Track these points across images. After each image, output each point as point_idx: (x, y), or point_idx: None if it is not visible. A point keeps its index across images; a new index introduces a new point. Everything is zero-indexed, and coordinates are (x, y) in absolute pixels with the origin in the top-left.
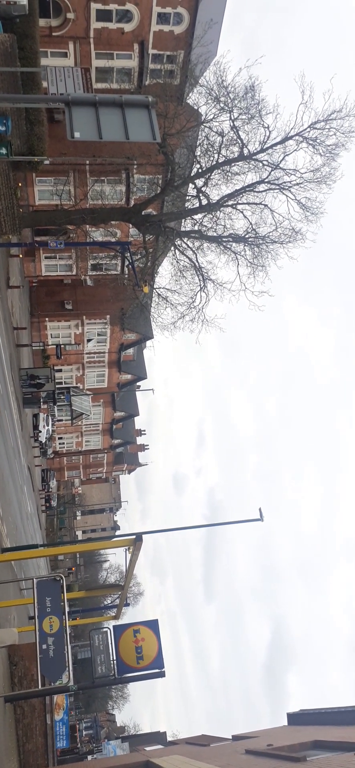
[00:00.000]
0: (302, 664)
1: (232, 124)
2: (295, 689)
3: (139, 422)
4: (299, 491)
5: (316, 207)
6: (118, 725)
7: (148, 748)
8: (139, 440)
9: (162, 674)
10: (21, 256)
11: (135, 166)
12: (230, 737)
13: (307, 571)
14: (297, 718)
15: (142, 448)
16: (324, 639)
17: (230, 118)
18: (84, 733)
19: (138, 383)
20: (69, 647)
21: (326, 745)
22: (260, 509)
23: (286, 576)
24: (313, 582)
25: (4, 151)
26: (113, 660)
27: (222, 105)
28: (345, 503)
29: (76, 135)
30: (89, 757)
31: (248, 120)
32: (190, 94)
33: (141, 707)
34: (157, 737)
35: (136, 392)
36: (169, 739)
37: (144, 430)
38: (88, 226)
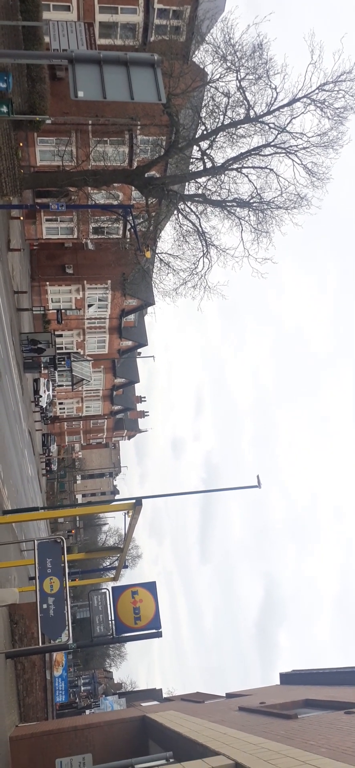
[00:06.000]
0: (292, 621)
1: (238, 84)
2: (286, 645)
3: (139, 389)
4: (293, 454)
5: (322, 172)
6: (115, 682)
7: (144, 704)
8: (139, 407)
9: (159, 634)
10: (22, 218)
11: (139, 127)
12: (224, 695)
13: (298, 531)
14: (289, 678)
15: (142, 414)
16: (313, 597)
17: (237, 78)
18: (82, 689)
19: (139, 350)
20: (69, 607)
21: (317, 704)
22: (257, 476)
23: (278, 536)
24: (304, 541)
25: (4, 109)
26: (111, 620)
27: (229, 64)
28: (336, 468)
29: (80, 94)
30: (87, 712)
31: (255, 80)
32: (196, 52)
33: (137, 664)
34: (154, 694)
35: (137, 359)
36: (164, 695)
37: (144, 397)
38: (90, 188)
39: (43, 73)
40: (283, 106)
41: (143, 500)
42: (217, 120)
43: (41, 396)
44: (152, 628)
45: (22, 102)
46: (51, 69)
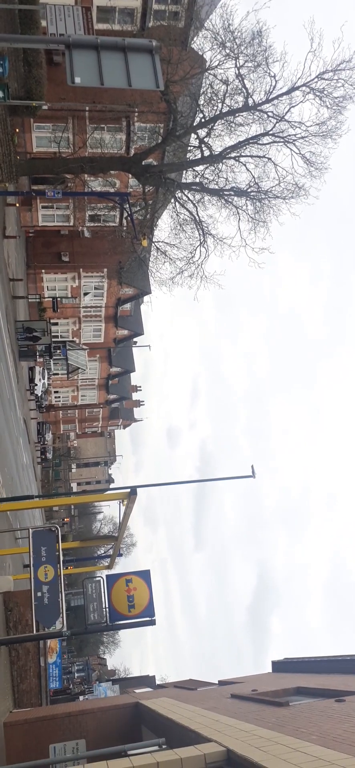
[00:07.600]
0: (284, 607)
1: (237, 71)
2: (278, 631)
3: (135, 378)
4: (286, 442)
5: (320, 162)
6: (109, 669)
7: (137, 691)
8: (135, 396)
9: (153, 622)
10: (17, 205)
11: (136, 114)
12: (217, 682)
13: (291, 518)
14: (281, 666)
15: (138, 403)
16: (305, 583)
17: (236, 66)
18: (76, 675)
19: (135, 339)
20: (63, 595)
21: (309, 692)
22: (252, 466)
23: (271, 523)
24: (296, 528)
25: (0, 94)
26: (106, 608)
27: (228, 51)
28: (328, 456)
29: (77, 80)
30: (81, 698)
31: (253, 68)
32: (195, 39)
33: (131, 651)
34: (147, 681)
35: (133, 348)
36: (157, 682)
37: (140, 386)
38: (86, 175)
39: (39, 57)
40: (282, 95)
41: (138, 489)
42: (215, 108)
43: (36, 384)
44: (146, 616)
45: (18, 87)
46: (48, 54)
